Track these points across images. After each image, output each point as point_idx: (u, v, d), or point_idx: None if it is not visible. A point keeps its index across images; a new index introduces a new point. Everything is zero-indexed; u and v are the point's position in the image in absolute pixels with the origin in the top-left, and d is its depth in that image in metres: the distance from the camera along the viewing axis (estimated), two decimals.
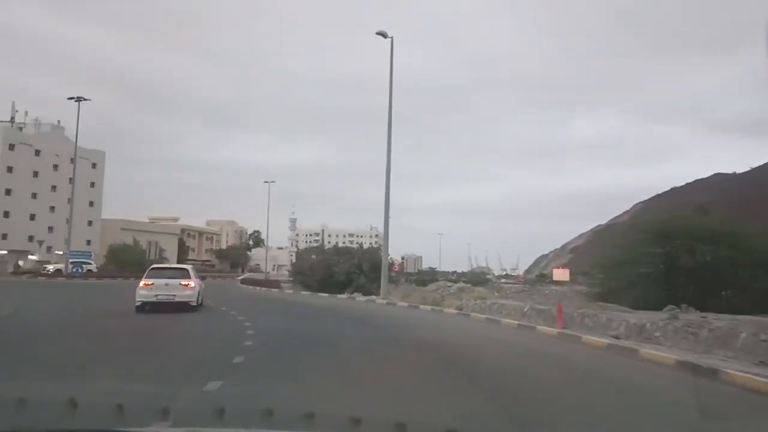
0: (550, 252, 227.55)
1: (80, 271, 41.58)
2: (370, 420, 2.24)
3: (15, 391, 5.27)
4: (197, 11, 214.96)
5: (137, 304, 18.02)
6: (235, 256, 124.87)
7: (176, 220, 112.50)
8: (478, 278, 79.30)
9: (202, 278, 23.20)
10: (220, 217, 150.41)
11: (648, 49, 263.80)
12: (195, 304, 18.92)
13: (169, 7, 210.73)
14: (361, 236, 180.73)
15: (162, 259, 71.30)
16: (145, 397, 5.35)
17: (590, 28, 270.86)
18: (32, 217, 77.43)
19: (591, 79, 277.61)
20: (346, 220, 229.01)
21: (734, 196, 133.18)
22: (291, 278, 49.23)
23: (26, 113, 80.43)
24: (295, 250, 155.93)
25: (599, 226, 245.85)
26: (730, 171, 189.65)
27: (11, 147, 75.04)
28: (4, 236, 74.29)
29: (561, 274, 58.56)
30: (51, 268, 49.73)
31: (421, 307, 24.98)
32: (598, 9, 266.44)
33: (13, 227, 74.73)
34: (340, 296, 33.37)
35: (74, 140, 56.49)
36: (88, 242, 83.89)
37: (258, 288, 44.52)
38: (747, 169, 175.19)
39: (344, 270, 37.49)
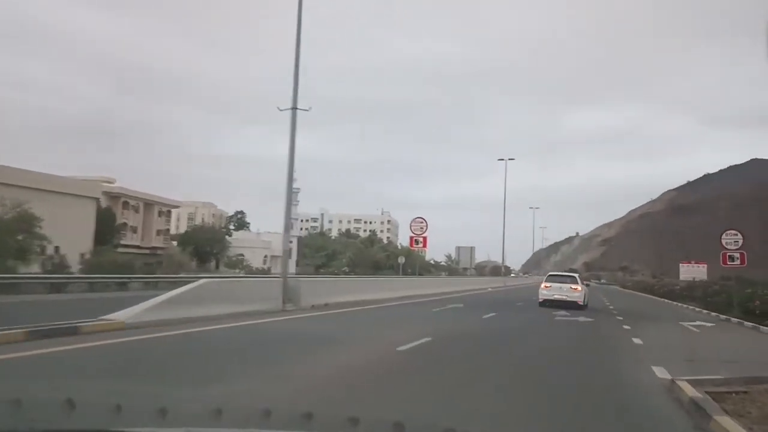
0: (549, 246, 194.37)
1: None
2: (369, 420, 2.19)
3: None
4: None
5: (540, 300, 24.16)
6: (206, 241, 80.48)
7: (112, 182, 68.60)
8: None
9: None
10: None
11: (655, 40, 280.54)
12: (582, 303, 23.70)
13: None
14: (371, 222, 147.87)
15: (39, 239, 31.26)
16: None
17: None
18: None
19: (594, 72, 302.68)
20: (347, 207, 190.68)
21: None
22: None
23: None
24: (297, 235, 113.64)
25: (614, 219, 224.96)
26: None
27: None
28: None
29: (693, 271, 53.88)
30: None
31: None
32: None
33: None
34: None
35: None
36: None
37: None
38: None
39: None
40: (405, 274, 56.54)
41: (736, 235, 24.24)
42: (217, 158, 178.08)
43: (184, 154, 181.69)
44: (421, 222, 27.97)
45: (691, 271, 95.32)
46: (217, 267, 78.45)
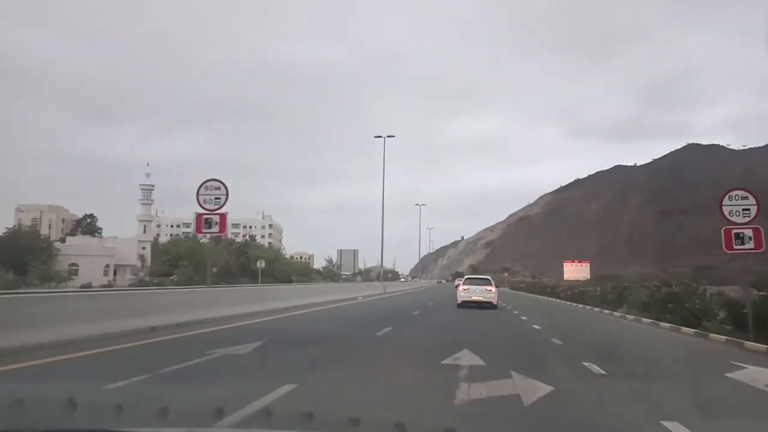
0: (436, 250, 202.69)
1: None
2: (369, 420, 2.22)
3: None
4: None
5: (459, 302, 25.18)
6: (25, 249, 63.47)
7: None
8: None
9: None
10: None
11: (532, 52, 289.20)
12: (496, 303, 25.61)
13: None
14: (252, 226, 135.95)
15: None
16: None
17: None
18: None
19: (474, 80, 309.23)
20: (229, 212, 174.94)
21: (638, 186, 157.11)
22: None
23: None
24: (150, 240, 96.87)
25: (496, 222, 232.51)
26: (630, 163, 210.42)
27: None
28: None
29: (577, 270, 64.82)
30: None
31: None
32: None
33: None
34: None
35: None
36: None
37: None
38: (649, 160, 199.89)
39: None
40: (285, 281, 46.66)
41: (747, 198, 14.03)
42: (74, 159, 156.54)
43: (31, 152, 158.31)
44: (218, 187, 15.30)
45: (575, 270, 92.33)
46: (44, 281, 61.84)
